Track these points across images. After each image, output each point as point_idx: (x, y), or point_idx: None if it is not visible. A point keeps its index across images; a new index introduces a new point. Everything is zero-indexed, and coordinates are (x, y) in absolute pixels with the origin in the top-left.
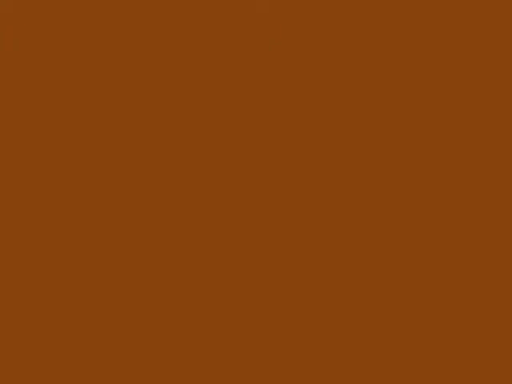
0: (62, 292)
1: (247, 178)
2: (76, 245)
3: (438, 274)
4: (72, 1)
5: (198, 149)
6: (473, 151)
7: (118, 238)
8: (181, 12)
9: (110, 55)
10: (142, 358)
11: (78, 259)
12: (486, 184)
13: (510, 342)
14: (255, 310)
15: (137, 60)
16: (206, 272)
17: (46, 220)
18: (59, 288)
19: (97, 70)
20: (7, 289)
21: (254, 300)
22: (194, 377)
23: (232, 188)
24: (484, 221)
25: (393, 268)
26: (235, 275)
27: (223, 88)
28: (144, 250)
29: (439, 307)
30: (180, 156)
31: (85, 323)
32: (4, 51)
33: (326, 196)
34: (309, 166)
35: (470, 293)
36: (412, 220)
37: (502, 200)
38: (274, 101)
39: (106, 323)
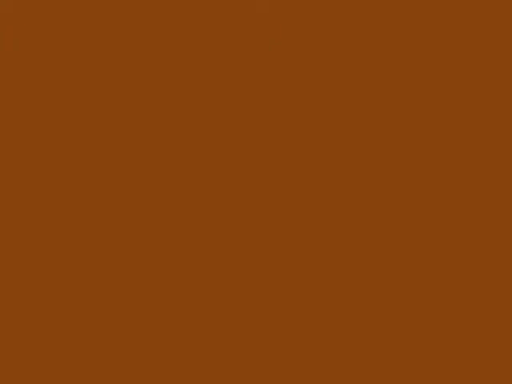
0: (62, 292)
1: (247, 178)
2: (76, 245)
3: (438, 273)
4: (72, 1)
5: (197, 149)
6: (473, 151)
7: (118, 238)
8: (181, 12)
9: (110, 55)
10: (142, 358)
11: (78, 259)
12: (486, 184)
13: (510, 342)
14: (255, 310)
15: (137, 60)
16: (206, 272)
17: (45, 220)
18: (59, 288)
19: (97, 69)
20: (7, 289)
21: (254, 300)
22: (194, 377)
23: (232, 188)
24: (484, 221)
25: (393, 268)
26: (235, 275)
27: (223, 88)
28: (144, 249)
29: (439, 307)
30: (180, 156)
31: (85, 323)
32: (4, 51)
33: (326, 196)
34: (309, 165)
35: (470, 293)
36: (412, 220)
37: (502, 200)
38: (274, 100)
39: (106, 323)
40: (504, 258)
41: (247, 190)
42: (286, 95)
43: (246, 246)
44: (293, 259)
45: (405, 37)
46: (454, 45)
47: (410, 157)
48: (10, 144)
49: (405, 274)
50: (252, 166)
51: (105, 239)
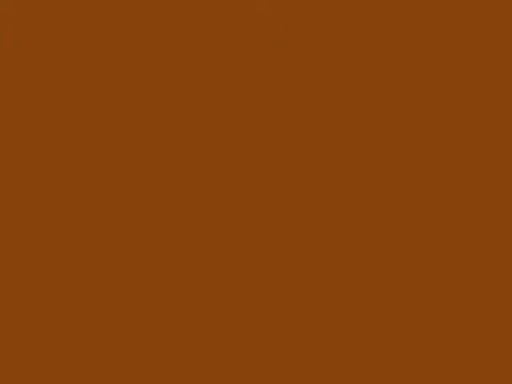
0: (62, 292)
1: (247, 178)
2: (76, 245)
3: (438, 274)
4: (72, 1)
5: (197, 149)
6: (473, 151)
7: (118, 238)
8: (181, 12)
9: (110, 55)
10: (142, 358)
11: (78, 259)
12: (486, 184)
13: (510, 342)
14: (255, 311)
15: (137, 60)
16: (206, 272)
17: (46, 220)
18: (59, 288)
19: (97, 69)
20: (7, 289)
21: (254, 300)
22: (194, 377)
23: (232, 188)
24: (484, 221)
25: (393, 268)
26: (235, 275)
27: (223, 88)
28: (144, 250)
29: (439, 307)
30: (180, 156)
31: (85, 323)
32: (4, 51)
33: (326, 196)
34: (309, 165)
35: (470, 293)
36: (412, 220)
37: (502, 200)
38: (273, 100)
39: (106, 323)
40: (504, 258)
41: (247, 189)
42: (286, 95)
43: (246, 245)
44: (293, 259)
45: (405, 37)
46: (454, 45)
47: (410, 156)
48: (10, 144)
49: (405, 274)
50: (252, 166)
51: (105, 239)
